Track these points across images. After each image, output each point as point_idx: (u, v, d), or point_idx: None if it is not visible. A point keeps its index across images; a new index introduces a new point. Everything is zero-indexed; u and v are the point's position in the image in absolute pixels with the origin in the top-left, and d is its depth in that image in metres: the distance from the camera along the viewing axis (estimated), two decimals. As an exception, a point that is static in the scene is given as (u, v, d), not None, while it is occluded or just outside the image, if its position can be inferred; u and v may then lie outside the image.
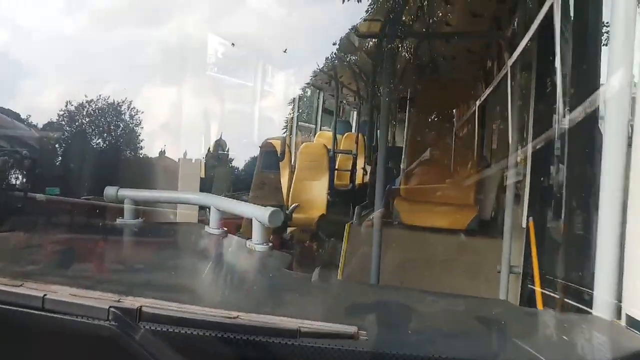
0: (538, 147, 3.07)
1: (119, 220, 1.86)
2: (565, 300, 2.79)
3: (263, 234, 1.58)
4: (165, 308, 0.86)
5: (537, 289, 2.85)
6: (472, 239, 4.00)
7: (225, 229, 1.77)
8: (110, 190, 1.85)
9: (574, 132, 2.54)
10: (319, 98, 11.82)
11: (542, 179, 3.05)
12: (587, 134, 2.54)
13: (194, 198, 1.86)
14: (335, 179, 9.23)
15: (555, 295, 2.83)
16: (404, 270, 3.93)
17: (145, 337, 0.82)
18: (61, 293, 0.90)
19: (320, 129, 11.66)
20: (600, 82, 2.28)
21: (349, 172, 10.07)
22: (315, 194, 8.55)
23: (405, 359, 0.79)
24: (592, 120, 2.24)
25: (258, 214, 1.57)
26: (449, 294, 2.17)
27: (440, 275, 3.91)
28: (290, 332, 0.80)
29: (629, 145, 1.03)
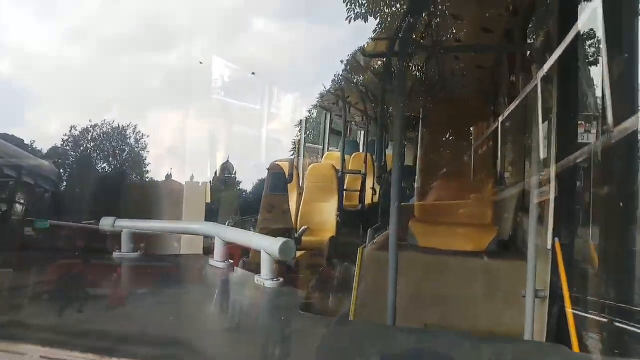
0: (563, 164, 2.90)
1: (116, 254, 1.71)
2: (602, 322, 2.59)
3: (273, 267, 1.41)
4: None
5: (569, 313, 2.64)
6: (492, 261, 3.79)
7: (231, 260, 1.60)
8: (106, 221, 1.70)
9: (603, 147, 2.37)
10: (325, 119, 11.75)
11: (568, 197, 2.87)
12: (619, 149, 2.38)
13: (198, 228, 1.70)
14: (344, 199, 9.07)
15: (590, 318, 2.63)
16: (422, 297, 3.72)
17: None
18: (30, 355, 0.74)
19: (328, 150, 11.55)
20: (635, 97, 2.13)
21: (358, 192, 9.92)
22: (325, 216, 8.37)
23: None
24: (625, 135, 2.08)
25: (267, 245, 1.40)
26: (493, 336, 1.97)
27: (460, 300, 3.70)
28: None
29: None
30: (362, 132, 13.17)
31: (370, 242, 4.08)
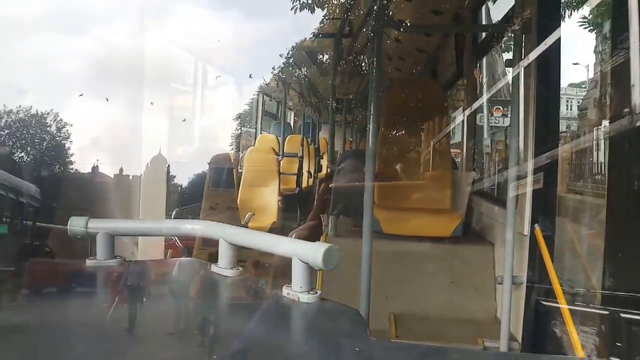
0: (541, 149, 2.86)
1: (89, 262, 1.33)
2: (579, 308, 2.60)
3: (308, 277, 1.14)
4: None
5: (561, 299, 2.62)
6: (458, 246, 3.74)
7: (240, 268, 1.30)
8: (76, 222, 1.31)
9: (585, 131, 2.32)
10: (257, 101, 11.38)
11: (546, 181, 2.84)
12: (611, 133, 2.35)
13: (196, 229, 1.36)
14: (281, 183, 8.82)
15: (568, 306, 2.63)
16: (388, 285, 3.60)
17: None
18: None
19: (261, 133, 11.19)
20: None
21: (295, 176, 9.70)
22: (266, 200, 8.07)
23: None
24: (616, 117, 2.03)
25: (303, 252, 1.12)
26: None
27: (428, 288, 3.63)
28: None
29: None
30: (292, 113, 12.93)
31: (332, 229, 3.88)
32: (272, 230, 7.32)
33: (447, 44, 6.20)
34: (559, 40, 2.72)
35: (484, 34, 4.80)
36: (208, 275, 1.31)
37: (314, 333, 1.03)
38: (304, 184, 9.87)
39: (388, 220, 3.81)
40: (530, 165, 2.90)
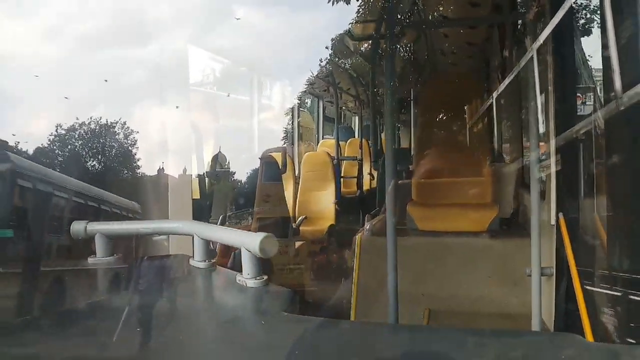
0: (565, 139, 2.76)
1: (90, 260, 1.58)
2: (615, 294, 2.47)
3: (255, 265, 1.29)
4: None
5: (578, 289, 2.53)
6: (495, 240, 3.67)
7: (213, 260, 1.48)
8: (77, 226, 1.57)
9: (606, 117, 2.23)
10: (318, 106, 11.59)
11: (571, 172, 2.74)
12: (622, 121, 2.25)
13: (174, 227, 1.57)
14: (342, 186, 8.96)
15: (601, 292, 2.52)
16: (424, 282, 3.61)
17: None
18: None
19: (323, 137, 11.40)
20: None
21: (356, 179, 9.80)
22: (323, 204, 8.25)
23: None
24: (628, 107, 1.94)
25: (247, 242, 1.27)
26: (499, 330, 1.86)
27: (464, 283, 3.59)
28: None
29: None
30: (357, 117, 13.01)
31: (367, 228, 3.96)
32: (331, 232, 7.49)
33: (492, 36, 6.05)
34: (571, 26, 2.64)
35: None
36: (187, 268, 1.50)
37: (239, 310, 1.18)
38: (366, 187, 9.93)
39: (422, 217, 3.83)
40: (552, 155, 2.82)
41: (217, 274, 1.46)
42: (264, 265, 1.36)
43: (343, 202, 8.45)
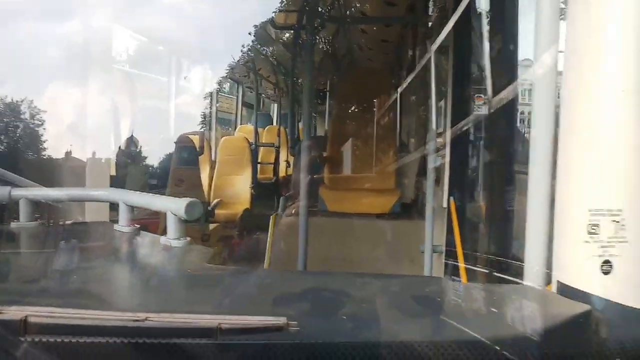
0: (455, 133, 3.16)
1: (13, 224, 1.63)
2: (491, 273, 2.91)
3: (180, 228, 1.44)
4: (57, 316, 0.72)
5: (461, 265, 2.94)
6: (395, 222, 4.07)
7: (137, 225, 1.61)
8: (1, 191, 1.61)
9: (492, 115, 2.62)
10: (237, 92, 11.56)
11: (461, 162, 3.15)
12: (506, 115, 2.65)
13: (100, 194, 1.66)
14: (258, 172, 9.09)
15: (481, 270, 2.94)
16: (331, 257, 3.91)
17: (32, 354, 0.68)
18: None
19: (241, 123, 11.42)
20: (519, 66, 2.38)
21: (272, 165, 9.98)
22: (239, 188, 8.34)
23: (341, 347, 0.72)
24: (509, 102, 2.33)
25: (173, 206, 1.43)
26: (383, 274, 2.15)
27: (367, 259, 3.94)
28: (208, 330, 0.69)
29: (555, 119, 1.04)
30: (276, 105, 13.16)
31: (282, 209, 4.19)
32: (245, 216, 7.60)
33: (405, 35, 6.49)
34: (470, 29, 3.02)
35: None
36: (111, 233, 1.61)
37: (170, 265, 1.34)
38: (282, 173, 10.14)
39: (332, 200, 4.13)
40: (447, 143, 3.21)
41: (142, 237, 1.59)
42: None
43: (259, 187, 8.59)
